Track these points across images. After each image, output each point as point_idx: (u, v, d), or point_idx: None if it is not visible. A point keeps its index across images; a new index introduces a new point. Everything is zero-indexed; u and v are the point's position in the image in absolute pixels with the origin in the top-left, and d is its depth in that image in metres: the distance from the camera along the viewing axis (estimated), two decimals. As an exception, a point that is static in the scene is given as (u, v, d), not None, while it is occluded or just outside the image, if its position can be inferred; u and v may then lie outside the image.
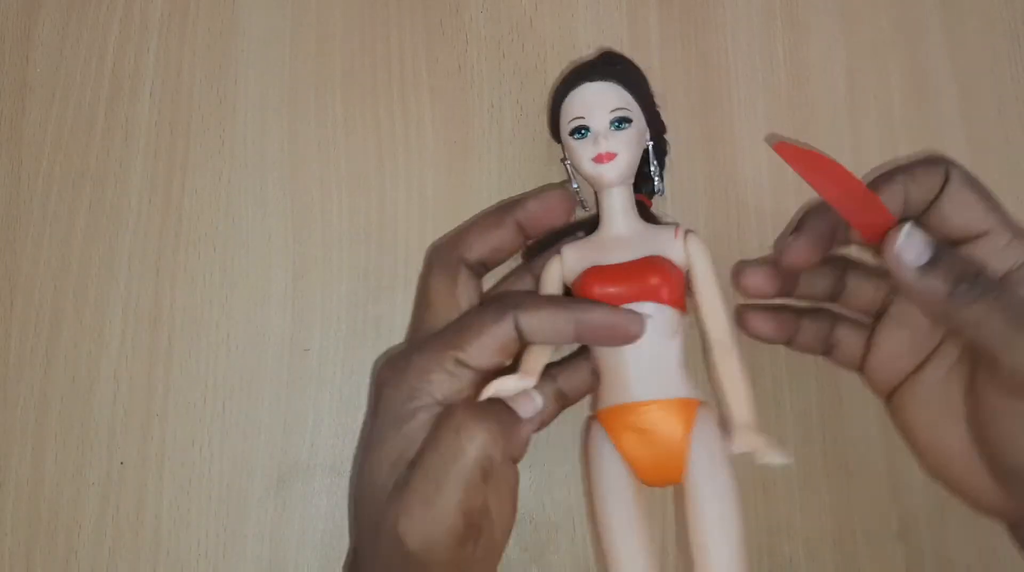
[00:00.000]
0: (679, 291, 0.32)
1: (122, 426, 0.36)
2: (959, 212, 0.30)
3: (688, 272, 0.32)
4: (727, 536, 0.29)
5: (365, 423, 0.33)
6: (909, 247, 0.28)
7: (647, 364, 0.31)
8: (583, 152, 0.32)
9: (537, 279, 0.33)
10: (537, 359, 0.32)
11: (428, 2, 0.40)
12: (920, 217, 0.31)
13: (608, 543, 0.30)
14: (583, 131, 0.32)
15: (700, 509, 0.29)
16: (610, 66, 0.34)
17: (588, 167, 0.32)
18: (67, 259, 0.37)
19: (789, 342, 0.35)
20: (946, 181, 0.31)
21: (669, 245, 0.32)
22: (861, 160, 0.40)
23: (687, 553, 0.30)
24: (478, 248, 0.33)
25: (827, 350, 0.35)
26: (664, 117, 0.36)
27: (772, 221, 0.39)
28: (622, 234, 0.33)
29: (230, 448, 0.36)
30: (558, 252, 0.33)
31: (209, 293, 0.37)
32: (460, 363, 0.29)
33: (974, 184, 0.31)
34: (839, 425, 0.38)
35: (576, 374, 0.33)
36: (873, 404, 0.38)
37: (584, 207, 0.36)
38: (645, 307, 0.31)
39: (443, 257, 0.33)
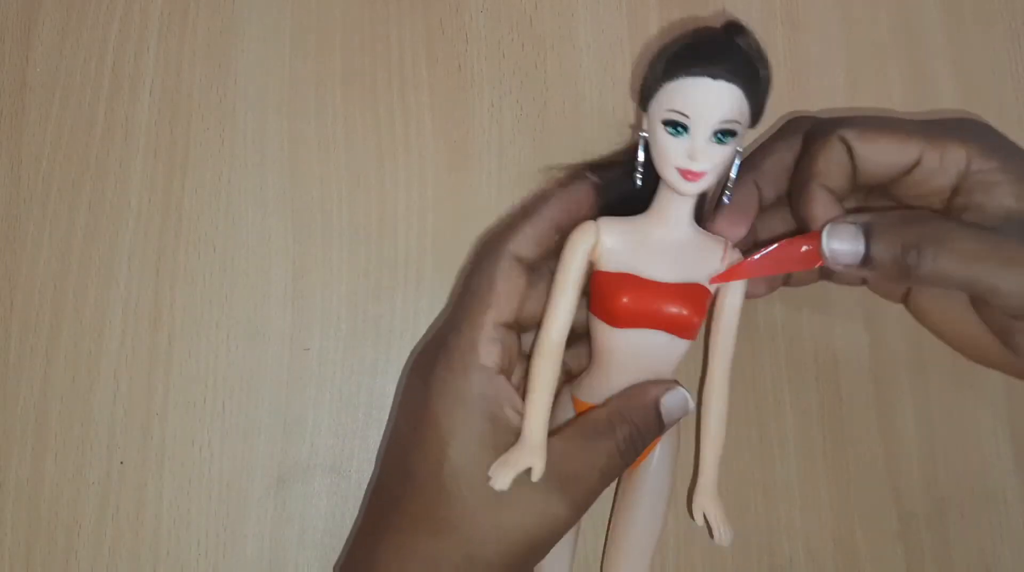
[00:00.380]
0: (700, 324, 0.31)
1: (122, 426, 0.36)
2: (876, 160, 0.31)
3: (716, 293, 0.31)
4: (653, 530, 0.33)
5: (419, 410, 0.31)
6: (841, 245, 0.29)
7: (636, 379, 0.31)
8: (670, 152, 0.29)
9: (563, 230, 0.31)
10: (540, 429, 0.30)
11: (428, 2, 0.40)
12: (854, 185, 0.32)
13: None
14: (680, 129, 0.28)
15: (641, 501, 0.32)
16: (741, 63, 0.28)
17: (669, 172, 0.29)
18: (67, 259, 0.37)
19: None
20: (848, 145, 0.31)
21: (712, 264, 0.31)
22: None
23: (612, 527, 0.34)
24: (525, 244, 0.31)
25: (828, 274, 0.35)
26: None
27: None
28: (671, 238, 0.31)
29: (230, 448, 0.36)
30: (594, 220, 0.31)
31: (209, 293, 0.37)
32: (498, 324, 0.30)
33: (878, 128, 0.31)
34: (839, 425, 0.38)
35: None
36: (873, 404, 0.38)
37: (636, 185, 0.31)
38: (660, 336, 0.30)
39: (494, 248, 0.32)
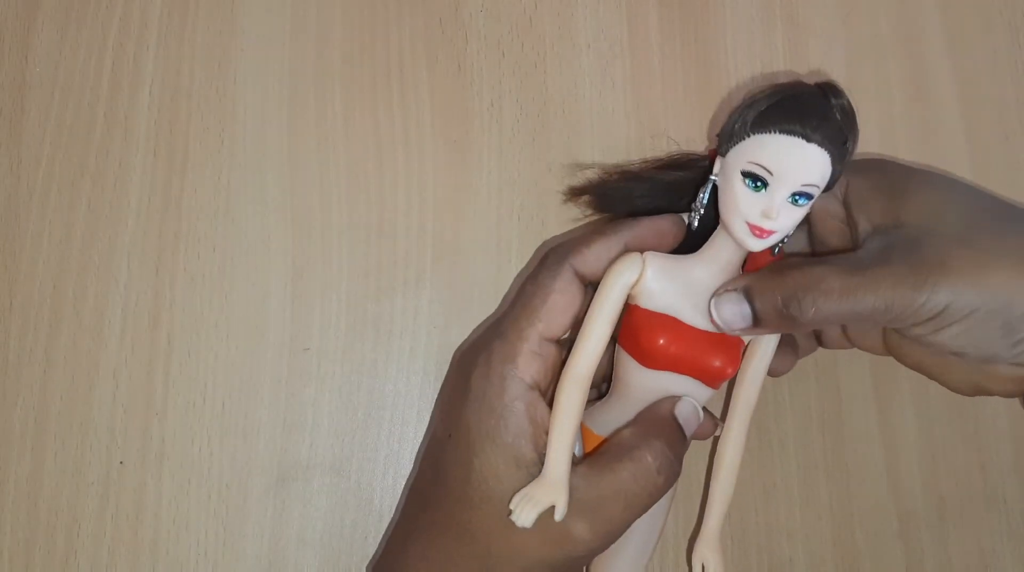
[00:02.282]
0: (732, 376, 0.31)
1: (121, 425, 0.36)
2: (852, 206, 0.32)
3: (750, 343, 0.31)
4: (647, 549, 0.33)
5: (454, 413, 0.30)
6: (730, 320, 0.29)
7: None
8: (745, 206, 0.28)
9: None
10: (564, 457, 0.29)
11: (428, 1, 0.40)
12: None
13: None
14: (760, 184, 0.27)
15: (627, 537, 0.31)
16: (835, 129, 0.27)
17: (738, 226, 0.28)
18: (66, 258, 0.37)
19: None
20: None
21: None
22: (861, 160, 0.40)
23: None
24: (592, 262, 0.30)
25: (819, 341, 0.36)
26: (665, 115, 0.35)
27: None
28: (717, 285, 0.30)
29: (229, 447, 0.36)
30: (640, 254, 0.30)
31: (209, 293, 0.37)
32: (543, 338, 0.29)
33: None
34: (839, 425, 0.38)
35: None
36: (873, 404, 0.38)
37: (692, 227, 0.31)
38: (688, 383, 0.30)
39: (556, 259, 0.31)
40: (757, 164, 0.27)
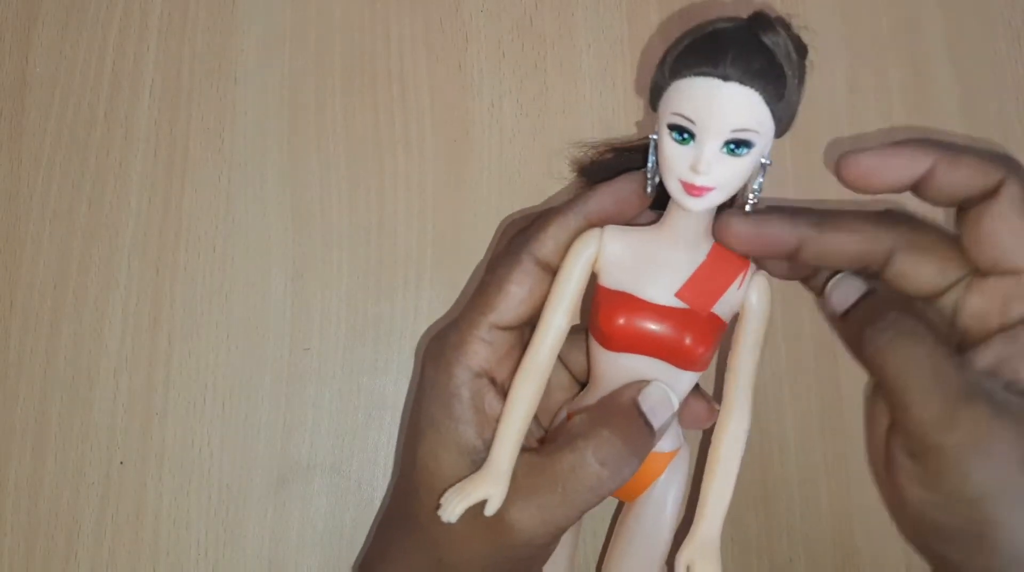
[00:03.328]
0: (708, 355, 0.27)
1: (122, 425, 0.36)
2: (994, 235, 0.25)
3: (735, 319, 0.28)
4: (653, 562, 0.29)
5: (414, 403, 0.30)
6: (835, 292, 0.28)
7: None
8: (674, 162, 0.25)
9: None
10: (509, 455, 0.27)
11: (428, 1, 0.40)
12: (959, 216, 0.27)
13: None
14: (686, 136, 0.24)
15: (639, 531, 0.29)
16: (761, 64, 0.24)
17: (673, 184, 0.25)
18: (67, 258, 0.37)
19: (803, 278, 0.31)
20: (997, 190, 0.25)
21: (726, 289, 0.27)
22: (861, 160, 0.40)
23: (608, 555, 0.30)
24: (551, 246, 0.28)
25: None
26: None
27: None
28: (680, 258, 0.27)
29: (230, 448, 0.36)
30: (600, 228, 0.27)
31: (209, 293, 0.37)
32: (494, 327, 0.27)
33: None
34: (839, 425, 0.38)
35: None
36: (873, 404, 0.38)
37: (647, 191, 0.28)
38: (656, 365, 0.27)
39: (515, 248, 0.29)
40: (678, 114, 0.24)
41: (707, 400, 0.31)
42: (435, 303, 0.37)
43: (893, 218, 0.27)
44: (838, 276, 0.28)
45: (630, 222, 0.28)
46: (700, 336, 0.26)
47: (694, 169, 0.24)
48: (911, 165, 0.26)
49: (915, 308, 0.27)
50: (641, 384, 0.27)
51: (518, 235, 0.29)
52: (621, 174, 0.28)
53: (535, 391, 0.27)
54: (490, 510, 0.26)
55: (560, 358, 0.30)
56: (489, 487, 0.26)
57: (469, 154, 0.39)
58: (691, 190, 0.25)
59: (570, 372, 0.32)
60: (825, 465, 0.37)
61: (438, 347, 0.29)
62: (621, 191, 0.28)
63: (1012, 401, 0.24)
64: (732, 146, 0.24)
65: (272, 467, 0.36)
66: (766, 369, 0.38)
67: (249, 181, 0.38)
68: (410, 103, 0.39)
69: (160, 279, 0.37)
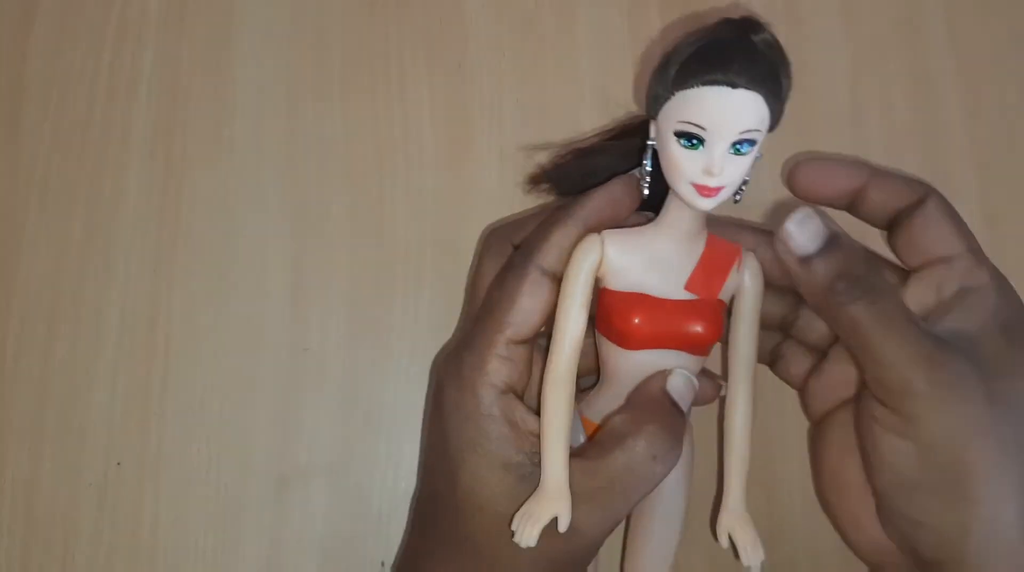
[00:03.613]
0: (718, 340, 0.29)
1: (119, 426, 0.36)
2: (926, 232, 0.29)
3: (732, 300, 0.30)
4: (671, 541, 0.31)
5: (438, 427, 0.30)
6: (799, 233, 0.27)
7: None
8: (685, 167, 0.26)
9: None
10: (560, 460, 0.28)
11: (428, 1, 0.40)
12: (891, 231, 0.30)
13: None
14: (695, 142, 0.26)
15: (656, 512, 0.31)
16: (762, 68, 0.25)
17: (683, 187, 0.26)
18: (65, 259, 0.37)
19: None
20: (922, 202, 0.30)
21: (726, 276, 0.29)
22: (863, 159, 0.40)
23: (631, 537, 0.32)
24: (555, 255, 0.29)
25: (772, 361, 0.35)
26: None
27: (772, 221, 0.39)
28: (682, 252, 0.29)
29: (228, 449, 0.36)
30: (598, 233, 0.28)
31: (208, 293, 0.37)
32: (511, 342, 0.28)
33: (951, 212, 0.30)
34: (840, 425, 0.38)
35: None
36: (874, 404, 0.38)
37: (645, 192, 0.29)
38: (673, 356, 0.29)
39: (495, 244, 0.31)
40: (688, 122, 0.25)
41: (712, 378, 0.32)
42: (435, 303, 0.37)
43: (921, 184, 0.30)
44: (801, 213, 0.27)
45: (622, 224, 0.29)
46: (711, 323, 0.28)
47: (708, 172, 0.25)
48: (850, 177, 0.30)
49: (876, 261, 0.29)
50: (665, 373, 0.29)
51: (521, 248, 0.30)
52: (589, 175, 0.30)
53: (567, 401, 0.28)
54: (563, 527, 0.27)
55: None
56: (555, 505, 0.27)
57: (469, 154, 0.38)
58: (703, 191, 0.26)
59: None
60: (826, 466, 0.37)
61: (456, 369, 0.29)
62: (615, 195, 0.29)
63: (967, 347, 0.27)
64: (739, 146, 0.26)
65: (271, 469, 0.36)
66: (766, 370, 0.38)
67: (249, 181, 0.38)
68: (410, 102, 0.39)
69: (159, 279, 0.37)
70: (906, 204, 0.30)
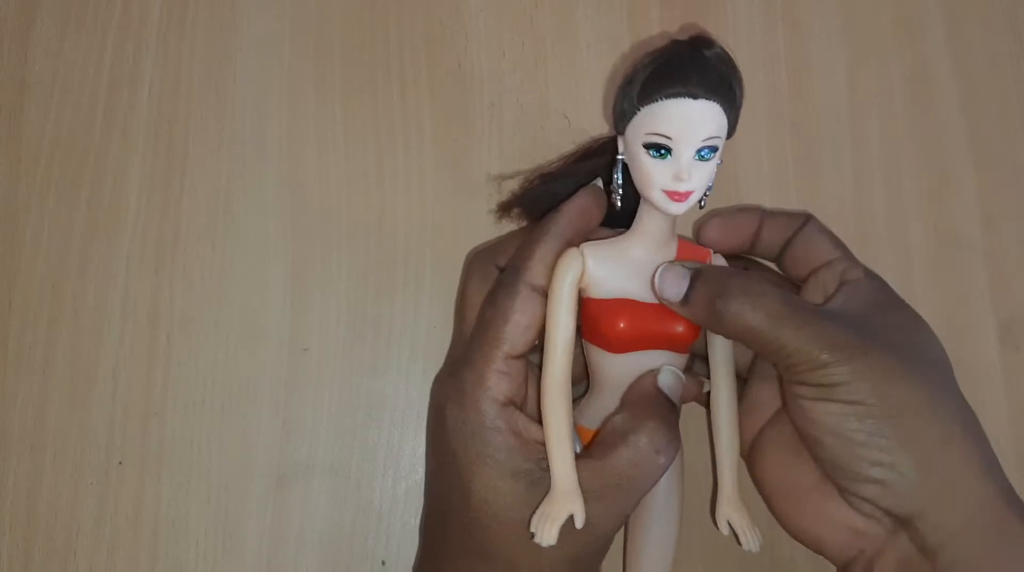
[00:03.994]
0: (697, 337, 0.31)
1: (121, 426, 0.36)
2: (808, 247, 0.33)
3: None
4: (670, 540, 0.32)
5: (442, 445, 0.31)
6: (664, 284, 0.30)
7: None
8: (655, 176, 0.28)
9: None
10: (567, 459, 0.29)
11: (428, 1, 0.40)
12: (777, 257, 0.34)
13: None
14: (663, 152, 0.28)
15: (653, 513, 0.32)
16: (716, 79, 0.28)
17: (656, 195, 0.28)
18: (65, 258, 0.37)
19: None
20: (802, 227, 0.33)
21: None
22: (862, 160, 0.40)
23: (630, 539, 0.33)
24: (541, 271, 0.30)
25: (706, 402, 0.35)
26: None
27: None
28: (657, 257, 0.30)
29: (229, 448, 0.36)
30: (577, 247, 0.30)
31: (208, 293, 0.37)
32: (509, 357, 0.30)
33: (827, 229, 0.34)
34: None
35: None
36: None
37: (616, 207, 0.31)
38: (658, 355, 0.31)
39: (480, 268, 0.33)
40: (655, 134, 0.28)
41: (695, 376, 0.33)
42: (434, 303, 0.37)
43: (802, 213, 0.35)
44: (660, 268, 0.30)
45: (592, 233, 0.32)
46: (689, 323, 0.30)
47: (678, 178, 0.28)
48: (747, 224, 0.34)
49: (750, 274, 0.32)
50: (654, 372, 0.31)
51: (508, 267, 0.31)
52: (556, 197, 0.32)
53: (566, 404, 0.29)
54: (579, 523, 0.28)
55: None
56: (570, 505, 0.28)
57: (469, 154, 0.39)
58: (674, 197, 0.28)
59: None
60: (826, 465, 0.37)
61: (457, 387, 0.30)
62: (584, 205, 0.31)
63: (852, 319, 0.30)
64: (703, 152, 0.28)
65: (271, 467, 0.36)
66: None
67: (249, 181, 0.38)
68: (410, 102, 0.39)
69: (159, 279, 0.37)
70: (792, 232, 0.33)
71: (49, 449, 0.36)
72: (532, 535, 0.28)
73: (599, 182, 0.32)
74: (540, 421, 0.30)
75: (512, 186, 0.36)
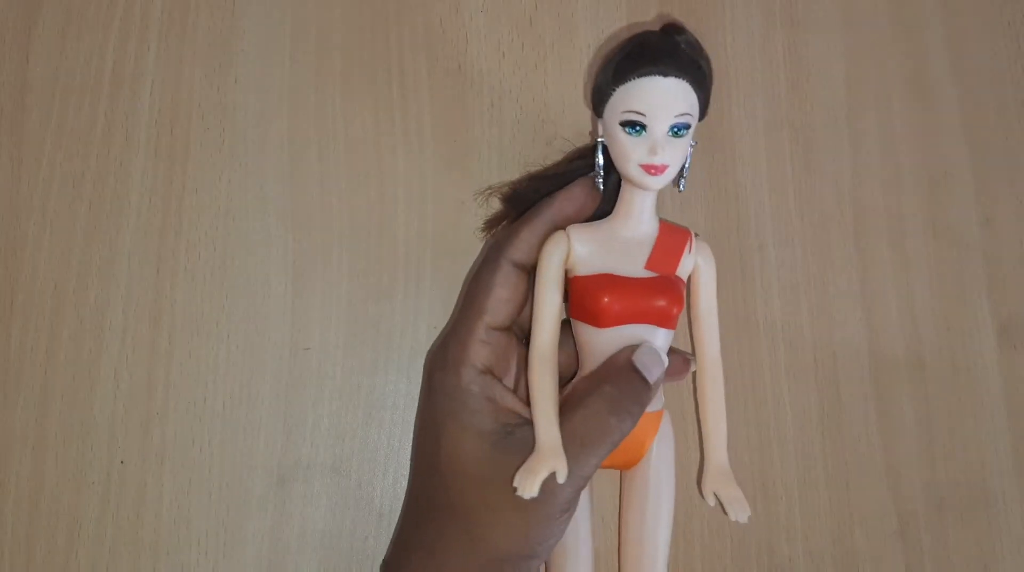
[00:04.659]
0: (680, 312, 0.32)
1: (122, 425, 0.36)
2: None
3: (688, 281, 0.33)
4: (663, 527, 0.33)
5: (425, 408, 0.34)
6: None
7: None
8: (631, 151, 0.30)
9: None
10: (551, 424, 0.30)
11: (428, 2, 0.40)
12: None
13: None
14: (638, 128, 0.30)
15: (647, 501, 0.33)
16: (686, 59, 0.30)
17: (633, 170, 0.30)
18: (67, 258, 0.37)
19: None
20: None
21: (680, 255, 0.32)
22: (861, 160, 0.40)
23: (623, 526, 0.34)
24: (524, 249, 0.33)
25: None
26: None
27: (771, 221, 0.39)
28: (639, 235, 0.32)
29: (230, 447, 0.36)
30: (563, 229, 0.32)
31: (209, 292, 0.37)
32: (490, 327, 0.32)
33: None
34: (839, 425, 0.38)
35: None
36: (873, 404, 0.38)
37: (600, 187, 0.33)
38: (644, 330, 0.31)
39: (493, 256, 0.33)
40: (630, 111, 0.30)
41: (682, 355, 0.35)
42: (435, 303, 0.38)
43: None
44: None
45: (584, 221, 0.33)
46: (673, 296, 0.31)
47: (652, 151, 0.30)
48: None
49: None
50: (633, 347, 0.31)
51: (493, 245, 0.33)
52: (544, 196, 0.34)
53: (551, 373, 0.31)
54: (561, 478, 0.29)
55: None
56: (552, 461, 0.29)
57: (469, 154, 0.39)
58: (650, 170, 0.30)
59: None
60: (825, 465, 0.38)
61: (442, 355, 0.33)
62: (575, 194, 0.33)
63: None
64: (676, 129, 0.30)
65: (272, 467, 0.36)
66: (765, 369, 0.38)
67: (249, 181, 0.38)
68: (410, 103, 0.39)
69: (160, 279, 0.37)
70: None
71: (51, 449, 0.36)
72: (514, 489, 0.29)
73: (596, 177, 0.33)
74: (517, 391, 0.32)
75: (495, 199, 0.37)
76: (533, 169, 0.37)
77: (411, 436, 0.37)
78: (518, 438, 0.31)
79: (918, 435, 0.38)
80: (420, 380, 0.37)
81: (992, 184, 0.40)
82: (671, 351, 0.33)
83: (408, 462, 0.37)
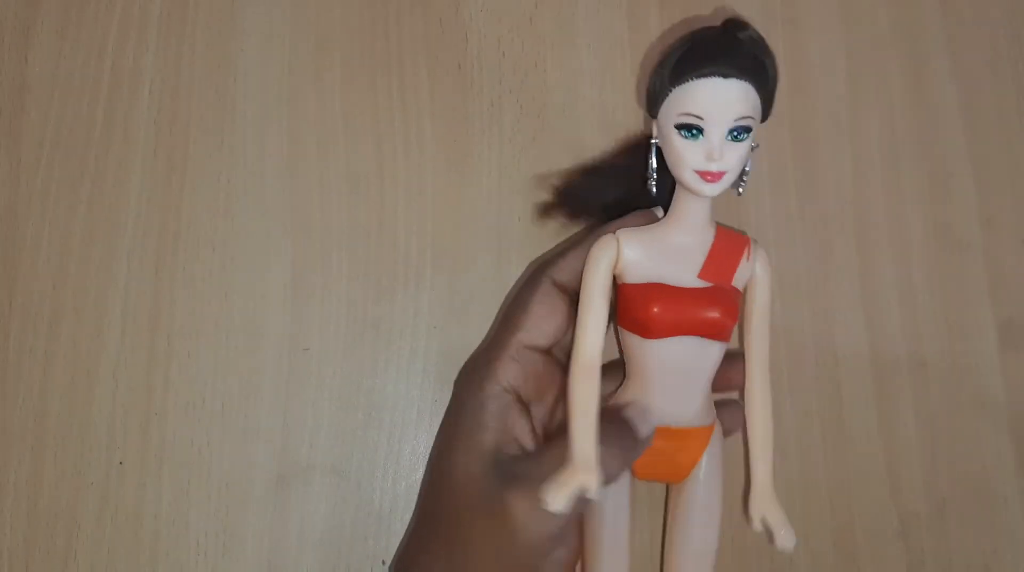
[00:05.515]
0: (734, 325, 0.30)
1: (121, 426, 0.36)
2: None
3: (744, 291, 0.31)
4: (711, 541, 0.32)
5: (445, 423, 0.34)
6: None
7: (683, 392, 0.31)
8: (688, 156, 0.28)
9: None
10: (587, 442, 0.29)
11: (428, 1, 0.40)
12: None
13: (597, 526, 0.31)
14: (695, 132, 0.28)
15: (693, 514, 0.32)
16: (748, 59, 0.28)
17: (688, 176, 0.28)
18: (66, 258, 0.37)
19: None
20: None
21: (736, 264, 0.30)
22: (861, 160, 0.40)
23: (669, 541, 0.33)
24: (568, 270, 0.31)
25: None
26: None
27: (772, 220, 0.39)
28: (693, 242, 0.30)
29: (229, 448, 0.36)
30: (613, 233, 0.30)
31: (208, 293, 0.37)
32: (522, 345, 0.31)
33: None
34: (839, 425, 0.38)
35: None
36: (873, 404, 0.38)
37: (652, 193, 0.31)
38: (695, 342, 0.30)
39: (535, 274, 0.33)
40: (686, 114, 0.28)
41: (740, 364, 0.33)
42: (435, 303, 0.37)
43: None
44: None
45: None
46: (727, 308, 0.29)
47: (709, 157, 0.28)
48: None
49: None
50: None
51: (538, 265, 0.33)
52: (597, 193, 0.33)
53: (593, 384, 0.29)
54: (592, 494, 0.28)
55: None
56: (583, 477, 0.28)
57: (469, 154, 0.39)
58: (707, 177, 0.28)
59: None
60: (825, 465, 0.37)
61: (471, 368, 0.33)
62: (626, 223, 0.31)
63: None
64: (735, 133, 0.28)
65: (272, 467, 0.36)
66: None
67: (249, 181, 0.38)
68: (410, 103, 0.39)
69: (160, 279, 0.37)
70: None
71: (50, 449, 0.36)
72: (543, 500, 0.27)
73: (659, 210, 0.32)
74: (551, 424, 0.31)
75: (550, 185, 0.36)
76: (585, 163, 0.35)
77: (410, 437, 0.37)
78: (506, 469, 0.29)
79: (919, 435, 0.38)
80: (420, 380, 0.37)
81: (993, 184, 0.40)
82: (727, 359, 0.31)
83: (408, 462, 0.37)
